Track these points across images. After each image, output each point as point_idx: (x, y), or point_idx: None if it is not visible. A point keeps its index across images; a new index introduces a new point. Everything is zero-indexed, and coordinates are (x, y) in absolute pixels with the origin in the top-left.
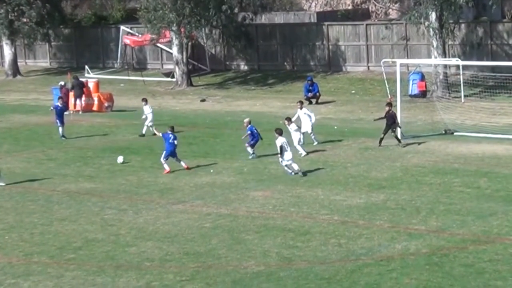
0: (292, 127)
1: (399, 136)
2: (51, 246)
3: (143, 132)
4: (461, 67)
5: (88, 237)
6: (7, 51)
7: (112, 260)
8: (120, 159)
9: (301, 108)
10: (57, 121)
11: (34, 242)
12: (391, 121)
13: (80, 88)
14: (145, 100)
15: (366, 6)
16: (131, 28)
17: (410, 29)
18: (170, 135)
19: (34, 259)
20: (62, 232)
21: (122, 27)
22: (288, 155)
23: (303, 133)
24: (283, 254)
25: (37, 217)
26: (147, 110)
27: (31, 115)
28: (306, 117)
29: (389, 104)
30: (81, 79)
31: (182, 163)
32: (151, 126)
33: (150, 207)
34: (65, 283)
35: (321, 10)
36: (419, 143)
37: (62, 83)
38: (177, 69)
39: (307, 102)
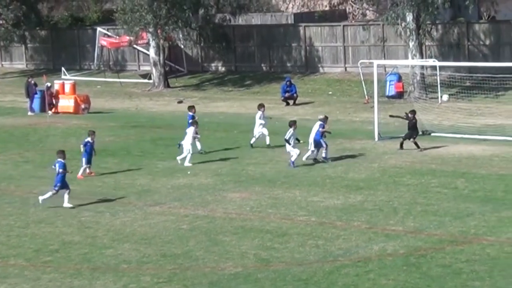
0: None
1: (377, 136)
2: (27, 249)
3: (252, 142)
4: (438, 68)
5: (65, 240)
6: None
7: (89, 262)
8: (445, 97)
9: (294, 129)
10: None
11: (10, 245)
12: (411, 127)
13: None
14: (261, 106)
15: (343, 7)
16: (107, 30)
17: (387, 30)
18: (87, 143)
19: (11, 261)
20: (39, 235)
21: (98, 29)
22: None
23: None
24: (261, 256)
25: (13, 219)
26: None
27: (8, 117)
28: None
29: (412, 112)
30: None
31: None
32: (258, 136)
33: (127, 209)
34: (42, 285)
35: (298, 11)
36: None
37: (48, 84)
38: (154, 70)
39: (284, 103)
